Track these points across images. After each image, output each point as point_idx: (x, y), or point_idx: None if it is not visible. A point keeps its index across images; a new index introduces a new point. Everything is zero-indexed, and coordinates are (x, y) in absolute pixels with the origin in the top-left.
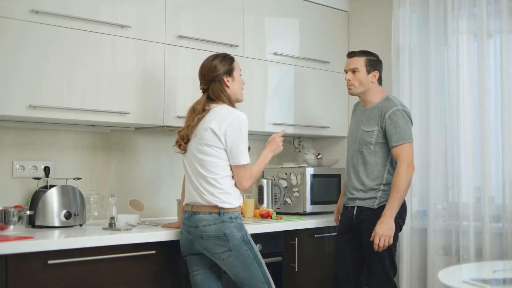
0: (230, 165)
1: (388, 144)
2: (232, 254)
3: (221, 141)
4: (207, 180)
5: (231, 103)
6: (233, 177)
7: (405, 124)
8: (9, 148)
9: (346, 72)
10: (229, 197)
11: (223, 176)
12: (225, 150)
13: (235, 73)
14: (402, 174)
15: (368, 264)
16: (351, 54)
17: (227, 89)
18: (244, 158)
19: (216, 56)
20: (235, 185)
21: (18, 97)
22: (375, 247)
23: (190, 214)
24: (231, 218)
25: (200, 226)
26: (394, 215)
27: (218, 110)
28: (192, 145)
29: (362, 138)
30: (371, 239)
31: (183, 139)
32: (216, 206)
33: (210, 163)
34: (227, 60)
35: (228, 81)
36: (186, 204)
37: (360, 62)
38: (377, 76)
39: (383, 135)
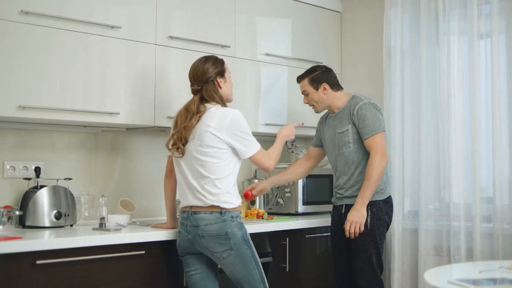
0: (238, 161)
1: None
2: (232, 253)
3: (225, 143)
4: (208, 182)
5: (224, 103)
6: (231, 176)
7: (373, 115)
8: (0, 148)
9: None
10: (230, 197)
11: (224, 176)
12: (231, 149)
13: (226, 75)
14: (374, 164)
15: (355, 262)
16: (297, 80)
17: (220, 90)
18: (254, 146)
19: (208, 59)
20: (261, 168)
21: (8, 98)
22: (346, 233)
23: (189, 214)
24: (232, 217)
25: (201, 225)
26: (365, 203)
27: (214, 111)
28: (190, 147)
29: (340, 140)
30: (344, 226)
31: (181, 141)
32: (218, 206)
33: (212, 164)
34: (219, 62)
35: (220, 82)
36: (184, 206)
37: (305, 85)
38: (327, 87)
39: (357, 132)
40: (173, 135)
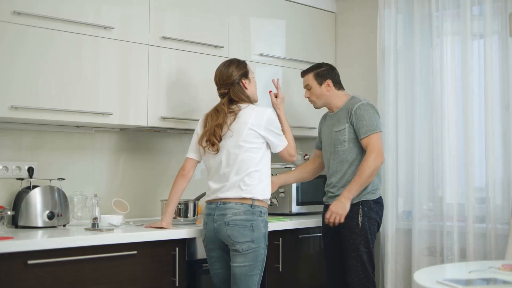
0: (271, 153)
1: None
2: (253, 246)
3: (263, 137)
4: (248, 174)
5: (251, 102)
6: (267, 169)
7: (370, 116)
8: None
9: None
10: (262, 189)
11: (260, 168)
12: (266, 143)
13: (250, 75)
14: (369, 162)
15: (347, 261)
16: (302, 74)
17: (246, 91)
18: (284, 141)
19: (231, 62)
20: (287, 160)
21: (0, 98)
22: (326, 221)
23: (218, 204)
24: (260, 212)
25: (229, 214)
26: (351, 197)
27: (249, 110)
28: (228, 143)
29: (335, 138)
30: (325, 214)
31: (216, 138)
32: (250, 198)
33: (251, 157)
34: (241, 64)
35: (246, 83)
36: (212, 199)
37: (309, 79)
38: (331, 84)
39: (354, 131)
40: (205, 132)
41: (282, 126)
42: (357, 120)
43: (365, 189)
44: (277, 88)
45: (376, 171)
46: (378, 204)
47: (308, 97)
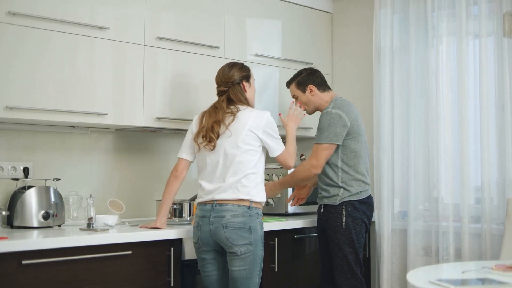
0: (268, 158)
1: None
2: (251, 248)
3: (260, 140)
4: (245, 176)
5: (249, 105)
6: (261, 172)
7: (325, 126)
8: None
9: None
10: (258, 191)
11: (257, 171)
12: (262, 147)
13: (251, 80)
14: (304, 169)
15: (334, 260)
16: (286, 85)
17: (245, 93)
18: (282, 146)
19: (234, 64)
20: (284, 166)
21: None
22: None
23: (213, 206)
24: (257, 213)
25: (226, 216)
26: (278, 189)
27: (248, 112)
28: (225, 143)
29: None
30: None
31: (214, 134)
32: (247, 200)
33: (248, 159)
34: (245, 67)
35: (246, 85)
36: (206, 200)
37: (293, 89)
38: (314, 88)
39: None
40: (202, 128)
41: (287, 135)
42: (318, 126)
43: (348, 191)
44: (295, 109)
45: (307, 180)
46: (366, 204)
47: (298, 106)
